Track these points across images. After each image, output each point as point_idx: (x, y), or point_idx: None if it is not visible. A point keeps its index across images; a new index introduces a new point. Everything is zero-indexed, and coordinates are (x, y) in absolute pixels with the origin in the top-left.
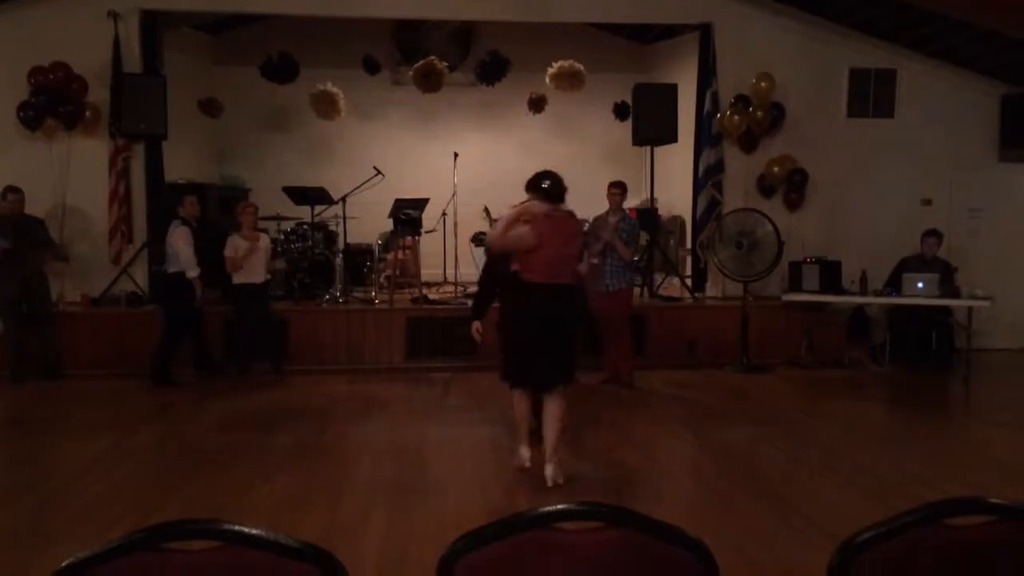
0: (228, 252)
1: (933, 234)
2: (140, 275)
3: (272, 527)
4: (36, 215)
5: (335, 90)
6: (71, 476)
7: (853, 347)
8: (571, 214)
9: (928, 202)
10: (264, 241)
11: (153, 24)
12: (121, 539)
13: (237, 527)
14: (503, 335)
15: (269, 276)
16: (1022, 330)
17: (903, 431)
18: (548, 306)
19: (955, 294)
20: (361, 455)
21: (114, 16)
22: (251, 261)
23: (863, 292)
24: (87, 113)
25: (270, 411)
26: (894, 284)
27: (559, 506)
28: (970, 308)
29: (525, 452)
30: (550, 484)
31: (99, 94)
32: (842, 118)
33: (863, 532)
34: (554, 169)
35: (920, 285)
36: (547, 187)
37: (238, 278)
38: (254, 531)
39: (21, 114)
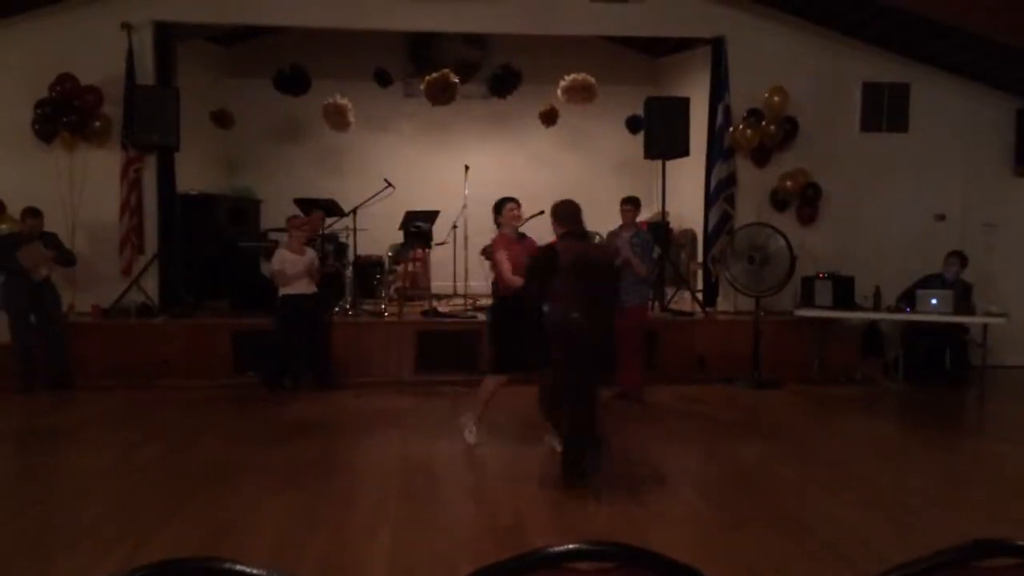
0: (276, 266)
1: (956, 256)
2: (151, 286)
3: (279, 545)
4: (50, 230)
5: (344, 101)
6: (77, 490)
7: (866, 364)
8: None
9: (942, 217)
10: (309, 255)
11: (166, 36)
12: None
13: (238, 567)
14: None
15: (315, 289)
16: None
17: (917, 450)
18: None
19: (970, 311)
20: (369, 470)
21: (128, 28)
22: (295, 274)
23: (876, 308)
24: (96, 124)
25: (278, 425)
26: (908, 300)
27: (571, 545)
28: (985, 325)
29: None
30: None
31: (113, 106)
32: (855, 132)
33: (889, 573)
34: (566, 183)
35: (934, 302)
36: None
37: (284, 290)
38: (254, 571)
39: (36, 126)
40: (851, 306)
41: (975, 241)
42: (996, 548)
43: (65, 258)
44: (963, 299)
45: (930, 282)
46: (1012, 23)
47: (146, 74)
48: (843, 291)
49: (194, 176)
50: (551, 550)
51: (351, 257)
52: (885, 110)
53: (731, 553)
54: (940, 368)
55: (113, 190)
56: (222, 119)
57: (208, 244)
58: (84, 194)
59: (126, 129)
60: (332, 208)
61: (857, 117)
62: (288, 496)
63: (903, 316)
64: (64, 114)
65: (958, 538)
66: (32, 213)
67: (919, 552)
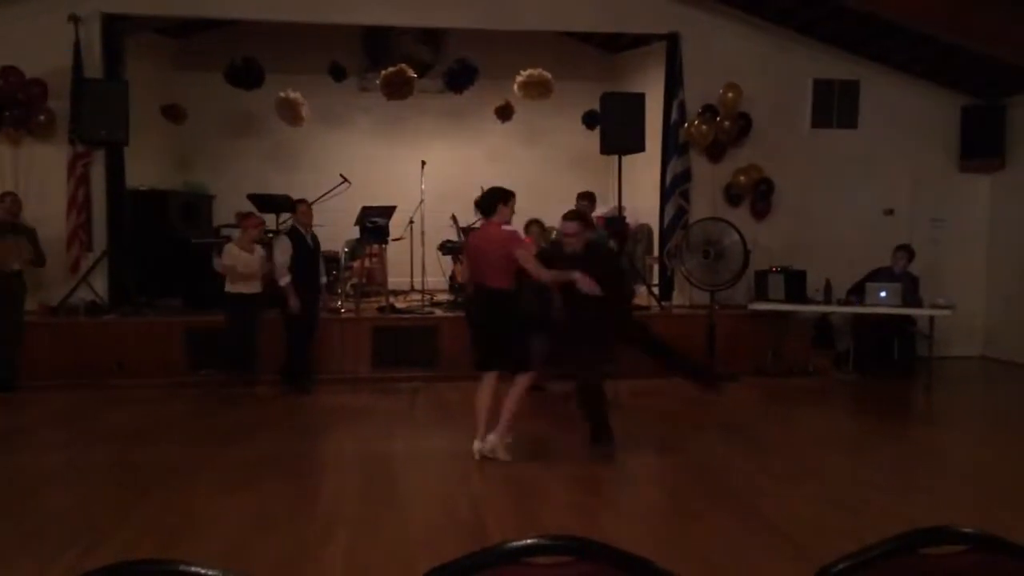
0: (226, 261)
1: (903, 249)
2: (100, 284)
3: (234, 546)
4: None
5: (295, 96)
6: (25, 493)
7: (817, 355)
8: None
9: (890, 212)
10: (258, 252)
11: (115, 28)
12: None
13: (194, 568)
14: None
15: (260, 289)
16: (980, 338)
17: (867, 440)
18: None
19: (918, 303)
20: (326, 469)
21: (75, 20)
22: (244, 272)
23: (827, 301)
24: (41, 117)
25: (232, 423)
26: (858, 293)
27: (531, 540)
28: (932, 317)
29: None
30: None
31: (58, 99)
32: (806, 128)
33: (839, 562)
34: (523, 178)
35: (883, 294)
36: None
37: (229, 287)
38: (209, 572)
39: None
40: (803, 299)
41: (922, 235)
42: (943, 535)
43: (39, 258)
44: (910, 292)
45: (879, 275)
46: (957, 24)
47: (94, 67)
48: (795, 285)
49: (144, 171)
50: (510, 545)
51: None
52: (835, 107)
53: (687, 544)
54: (889, 359)
55: (60, 185)
56: (173, 113)
57: (159, 241)
58: (30, 189)
59: (73, 123)
60: (286, 204)
61: (808, 113)
62: (243, 496)
63: (853, 309)
64: (8, 107)
65: (909, 526)
66: (9, 193)
67: (872, 540)
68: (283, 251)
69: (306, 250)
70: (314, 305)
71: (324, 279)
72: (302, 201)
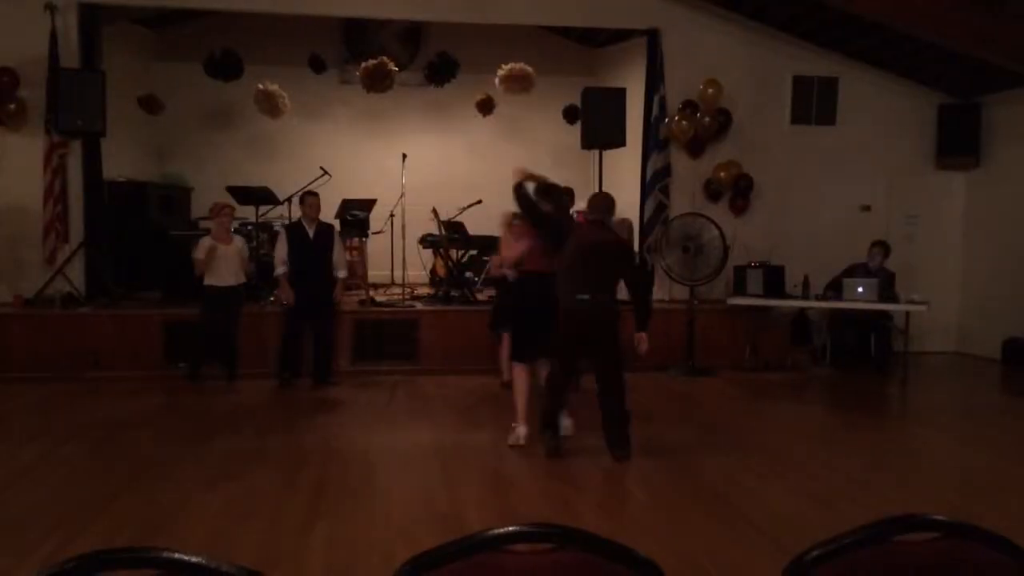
0: (197, 254)
1: (879, 245)
2: (77, 275)
3: (213, 539)
4: None
5: (274, 87)
6: (0, 485)
7: (795, 350)
8: None
9: (867, 208)
10: (237, 244)
11: (92, 18)
12: (49, 570)
13: (177, 554)
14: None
15: (243, 280)
16: (954, 333)
17: (844, 434)
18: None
19: (894, 299)
20: (306, 461)
21: (51, 9)
22: (220, 264)
23: (805, 296)
24: (12, 106)
25: (212, 416)
26: (835, 288)
27: (510, 528)
28: (907, 312)
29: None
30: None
31: (30, 89)
32: (786, 125)
33: (813, 549)
34: (503, 172)
35: (860, 290)
36: None
37: (206, 280)
38: (192, 558)
39: None
40: (781, 294)
41: (898, 231)
42: (915, 523)
43: None
44: (887, 287)
45: (855, 271)
46: (935, 22)
47: (71, 57)
48: (774, 280)
49: (122, 163)
50: (490, 533)
51: None
52: (814, 103)
53: (664, 537)
54: (865, 354)
55: (35, 176)
56: (150, 104)
57: (137, 233)
58: (4, 180)
59: (49, 113)
60: (266, 196)
61: (787, 110)
62: (223, 489)
63: (831, 304)
64: None
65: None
66: None
67: None
68: (278, 244)
69: (304, 244)
70: (311, 297)
71: (341, 273)
72: (309, 194)
